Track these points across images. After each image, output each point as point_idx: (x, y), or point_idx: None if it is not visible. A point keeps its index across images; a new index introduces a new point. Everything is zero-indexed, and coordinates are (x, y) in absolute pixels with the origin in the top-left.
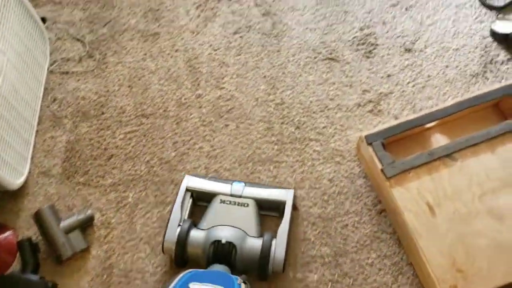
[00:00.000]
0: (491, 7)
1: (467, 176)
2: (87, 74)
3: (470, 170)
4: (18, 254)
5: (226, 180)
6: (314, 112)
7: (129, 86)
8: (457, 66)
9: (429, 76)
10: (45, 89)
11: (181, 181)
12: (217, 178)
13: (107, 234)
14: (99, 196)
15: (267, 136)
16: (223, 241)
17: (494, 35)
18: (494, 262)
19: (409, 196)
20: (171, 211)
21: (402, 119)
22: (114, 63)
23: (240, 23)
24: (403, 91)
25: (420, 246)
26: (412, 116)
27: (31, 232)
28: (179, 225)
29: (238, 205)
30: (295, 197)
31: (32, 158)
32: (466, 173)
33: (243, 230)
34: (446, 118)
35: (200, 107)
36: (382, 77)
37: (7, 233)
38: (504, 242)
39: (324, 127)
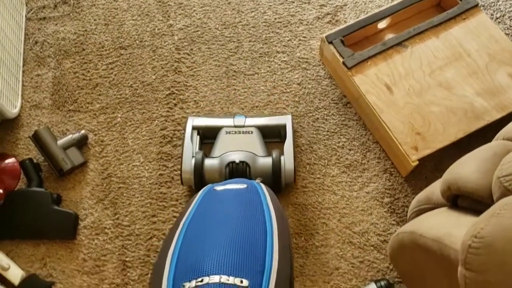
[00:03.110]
0: None
1: (417, 59)
2: (64, 18)
3: (419, 54)
4: (21, 176)
5: (227, 115)
6: (278, 28)
7: (105, 24)
8: None
9: None
10: (26, 34)
11: (186, 123)
12: (217, 115)
13: (102, 150)
14: (90, 119)
15: (238, 53)
16: (237, 161)
17: None
18: (447, 124)
19: (369, 81)
20: (182, 147)
21: (356, 20)
22: (88, 6)
23: None
24: (356, 2)
25: (383, 120)
26: (365, 16)
27: (30, 156)
28: (192, 157)
29: (243, 133)
30: (293, 123)
31: (22, 95)
32: (416, 56)
33: (252, 152)
34: (395, 17)
35: (173, 35)
36: None
37: (10, 160)
38: (454, 107)
39: (289, 40)
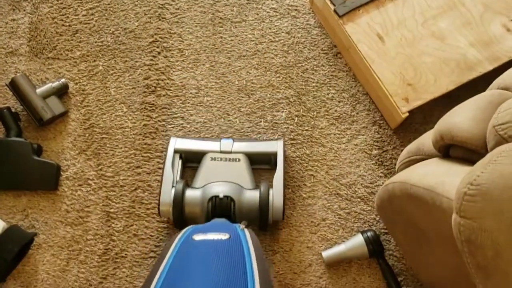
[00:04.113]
0: None
1: (410, 7)
2: None
3: (412, 2)
4: None
5: (213, 138)
6: None
7: None
8: None
9: None
10: None
11: (168, 144)
12: (202, 137)
13: (83, 99)
14: (70, 67)
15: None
16: (221, 195)
17: None
18: (439, 75)
19: (360, 30)
20: (162, 174)
21: None
22: None
23: None
24: None
25: (374, 70)
26: None
27: (8, 105)
28: (172, 186)
29: (229, 160)
30: (284, 149)
31: None
32: (409, 4)
33: (238, 184)
34: None
35: None
36: None
37: None
38: (447, 58)
39: None
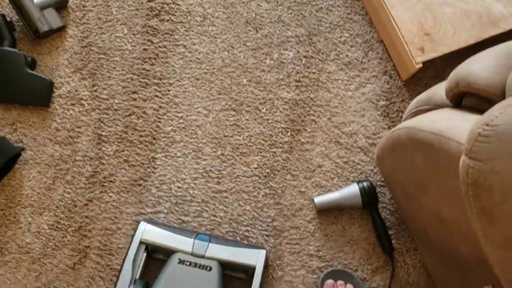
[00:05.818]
0: None
1: None
2: None
3: None
4: None
5: (188, 232)
6: None
7: None
8: None
9: None
10: None
11: (135, 230)
12: (177, 227)
13: (83, 16)
14: None
15: None
16: None
17: None
18: (459, 28)
19: None
20: (120, 268)
21: None
22: None
23: None
24: None
25: (392, 15)
26: None
27: (3, 13)
28: (129, 286)
29: (199, 267)
30: (267, 259)
31: None
32: None
33: None
34: None
35: None
36: None
37: None
38: (469, 10)
39: None
